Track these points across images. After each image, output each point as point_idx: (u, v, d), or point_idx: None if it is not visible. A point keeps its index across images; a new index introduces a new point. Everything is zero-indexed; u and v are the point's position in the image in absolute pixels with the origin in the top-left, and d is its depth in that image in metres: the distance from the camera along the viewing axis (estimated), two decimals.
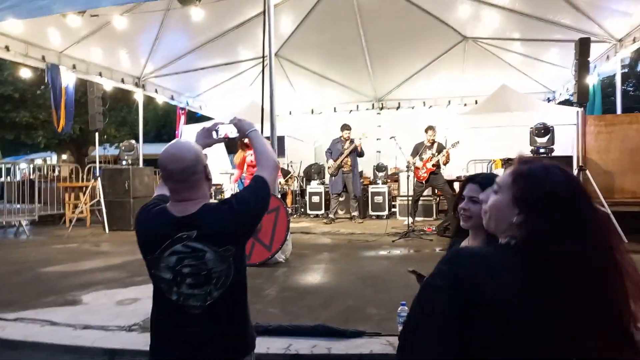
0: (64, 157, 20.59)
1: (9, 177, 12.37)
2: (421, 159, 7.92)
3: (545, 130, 6.65)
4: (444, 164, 7.96)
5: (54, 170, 13.23)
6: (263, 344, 2.74)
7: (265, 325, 2.94)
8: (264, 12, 5.27)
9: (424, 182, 7.94)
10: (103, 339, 2.85)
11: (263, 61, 5.41)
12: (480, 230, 1.65)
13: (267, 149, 1.84)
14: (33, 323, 3.12)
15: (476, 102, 12.16)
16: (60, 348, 2.81)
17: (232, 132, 1.99)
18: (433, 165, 7.79)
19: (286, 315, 3.24)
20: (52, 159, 22.15)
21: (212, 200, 1.75)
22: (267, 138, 6.36)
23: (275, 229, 5.01)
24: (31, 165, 14.88)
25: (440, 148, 7.89)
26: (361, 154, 9.00)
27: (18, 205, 9.09)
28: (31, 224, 8.58)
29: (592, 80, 9.60)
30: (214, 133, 1.98)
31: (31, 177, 12.11)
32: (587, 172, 6.33)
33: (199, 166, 1.62)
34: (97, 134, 8.60)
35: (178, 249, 1.54)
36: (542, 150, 6.61)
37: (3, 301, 3.66)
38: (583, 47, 6.28)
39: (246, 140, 7.23)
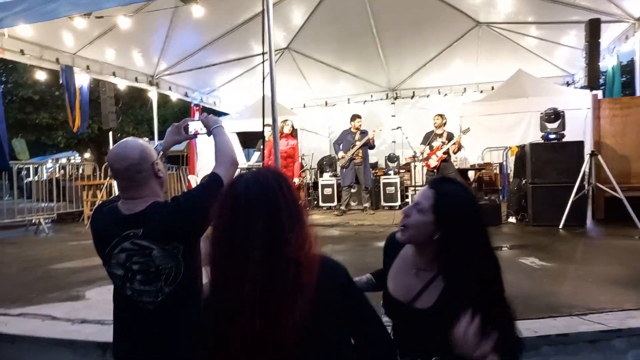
0: (87, 155, 21.21)
1: (36, 177, 12.78)
2: (431, 148, 7.84)
3: (555, 115, 6.47)
4: (454, 153, 7.86)
5: (77, 169, 13.63)
6: None
7: None
8: (263, 10, 5.27)
9: (435, 170, 7.86)
10: (98, 333, 2.94)
11: (263, 59, 5.41)
12: (426, 248, 1.41)
13: (226, 146, 1.86)
14: (34, 318, 3.25)
15: (492, 89, 11.91)
16: (57, 342, 2.92)
17: (202, 129, 2.02)
18: (444, 153, 7.70)
19: None
20: (77, 158, 22.83)
21: None
22: (260, 137, 6.42)
23: None
24: (57, 165, 15.41)
25: (450, 136, 7.79)
26: (372, 147, 8.94)
27: (43, 204, 9.43)
28: (52, 221, 8.88)
29: (611, 62, 9.31)
30: (183, 130, 2.01)
31: (57, 176, 12.53)
32: (600, 157, 6.14)
33: (144, 164, 1.64)
34: (110, 132, 8.82)
35: (126, 246, 1.58)
36: (552, 136, 6.43)
37: (12, 297, 3.81)
38: (593, 28, 6.07)
39: (286, 131, 7.30)
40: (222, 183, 1.72)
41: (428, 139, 7.92)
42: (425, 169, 8.00)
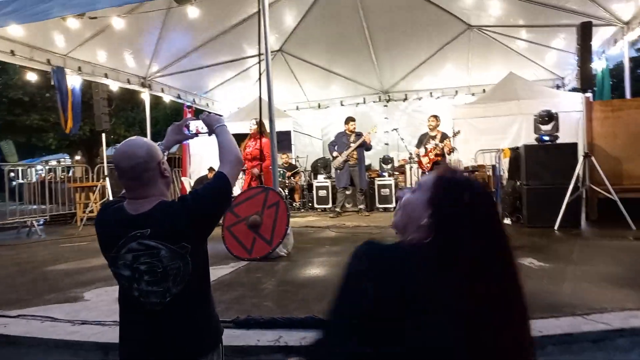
0: (78, 157, 21.00)
1: (26, 179, 12.63)
2: (425, 149, 7.89)
3: (549, 117, 6.54)
4: (448, 154, 7.91)
5: (68, 172, 13.50)
6: (254, 337, 2.78)
7: (257, 319, 2.98)
8: (259, 11, 5.28)
9: (427, 172, 7.91)
10: (98, 334, 2.91)
11: (259, 60, 5.41)
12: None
13: (231, 145, 1.82)
14: (34, 320, 3.20)
15: (484, 91, 12.02)
16: (58, 343, 2.88)
17: (203, 128, 1.97)
18: (436, 155, 7.74)
19: (280, 308, 3.27)
20: (67, 160, 22.59)
21: None
22: (268, 136, 6.35)
23: (275, 223, 5.05)
24: (47, 167, 15.23)
25: (444, 137, 7.84)
26: (368, 148, 8.94)
27: (34, 206, 9.32)
28: (44, 223, 8.76)
29: (600, 65, 9.43)
30: (184, 129, 1.98)
31: (47, 178, 12.37)
32: (593, 158, 6.22)
33: (151, 163, 1.60)
34: (103, 134, 8.74)
35: (133, 246, 1.55)
36: (546, 138, 6.50)
37: (8, 300, 3.75)
38: (585, 31, 6.15)
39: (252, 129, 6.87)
40: (228, 182, 1.69)
41: (422, 141, 7.96)
42: (419, 170, 8.05)
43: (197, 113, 13.31)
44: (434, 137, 7.86)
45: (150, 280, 1.56)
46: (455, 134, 7.83)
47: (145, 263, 1.55)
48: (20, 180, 11.56)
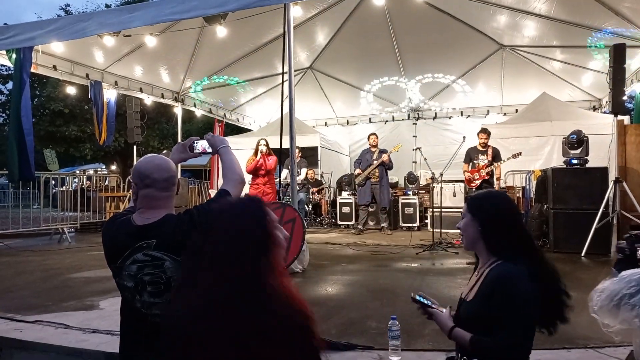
0: (113, 167, 21.79)
1: (64, 187, 13.15)
2: (474, 165, 7.58)
3: (578, 141, 6.34)
4: (498, 179, 7.62)
5: (104, 181, 14.01)
6: None
7: None
8: (284, 32, 5.40)
9: (474, 189, 7.54)
10: (107, 344, 2.99)
11: (282, 79, 5.51)
12: (480, 246, 1.81)
13: (233, 165, 1.90)
14: (49, 326, 3.32)
15: (516, 111, 11.79)
16: (68, 350, 2.97)
17: (208, 148, 2.06)
18: (487, 174, 7.46)
19: None
20: (103, 169, 23.48)
21: None
22: (285, 151, 6.43)
23: (291, 239, 5.06)
24: (84, 176, 15.85)
25: (496, 153, 7.51)
26: (389, 167, 8.90)
27: (68, 214, 9.68)
28: (75, 231, 9.08)
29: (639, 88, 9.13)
30: (188, 149, 2.06)
31: (83, 186, 12.89)
32: (625, 184, 5.99)
33: (176, 179, 1.73)
34: (135, 146, 9.04)
35: (138, 257, 1.60)
36: (575, 161, 6.30)
37: (30, 305, 3.92)
38: (618, 53, 5.98)
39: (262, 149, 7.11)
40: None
41: (471, 156, 7.62)
42: (466, 187, 7.79)
43: (231, 127, 13.58)
44: (483, 153, 7.51)
45: (153, 292, 1.60)
46: (515, 156, 7.50)
47: (149, 274, 1.60)
48: (59, 188, 12.04)
